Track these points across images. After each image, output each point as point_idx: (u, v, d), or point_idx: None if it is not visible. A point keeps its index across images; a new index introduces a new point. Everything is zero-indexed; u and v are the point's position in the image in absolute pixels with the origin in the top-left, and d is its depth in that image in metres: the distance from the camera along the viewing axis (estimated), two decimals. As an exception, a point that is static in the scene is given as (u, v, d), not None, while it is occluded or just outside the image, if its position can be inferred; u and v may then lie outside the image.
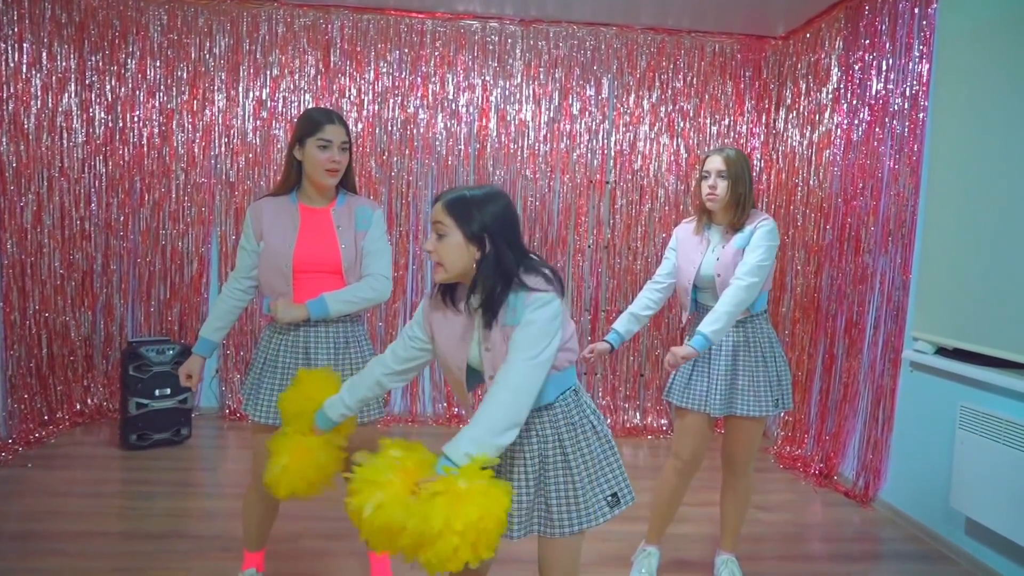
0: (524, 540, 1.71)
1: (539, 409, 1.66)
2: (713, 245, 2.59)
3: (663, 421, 4.92)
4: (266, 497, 2.31)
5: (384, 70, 4.67)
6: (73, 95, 4.36)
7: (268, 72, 4.60)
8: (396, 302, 4.77)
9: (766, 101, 4.87)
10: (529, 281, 1.58)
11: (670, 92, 4.84)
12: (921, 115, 3.45)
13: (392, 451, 1.56)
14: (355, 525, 1.49)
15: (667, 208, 4.86)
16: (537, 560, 1.76)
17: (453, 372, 1.70)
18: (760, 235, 2.48)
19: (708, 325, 2.39)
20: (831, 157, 4.16)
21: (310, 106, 4.63)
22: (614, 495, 1.71)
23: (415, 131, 4.70)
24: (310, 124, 2.16)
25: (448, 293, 1.70)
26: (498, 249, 1.57)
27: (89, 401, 4.54)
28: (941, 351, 3.29)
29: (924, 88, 3.44)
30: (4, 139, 3.88)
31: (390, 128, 4.68)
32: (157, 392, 4.09)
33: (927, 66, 3.43)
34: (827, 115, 4.22)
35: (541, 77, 4.77)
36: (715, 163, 2.54)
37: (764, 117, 4.89)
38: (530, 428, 1.67)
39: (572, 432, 1.68)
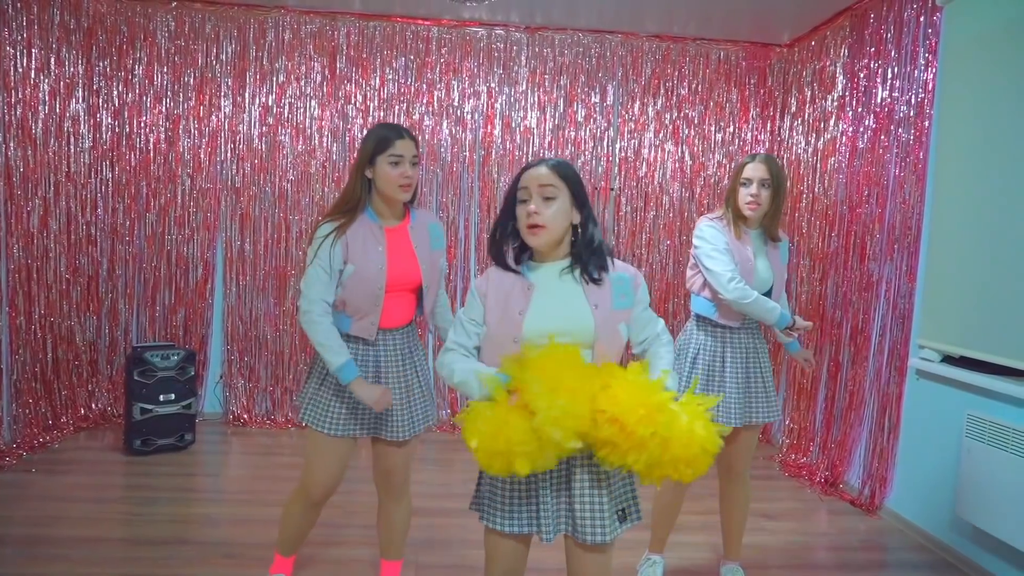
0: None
1: None
2: (756, 249, 2.55)
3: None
4: (309, 508, 2.31)
5: (390, 77, 4.68)
6: (80, 100, 4.39)
7: (274, 78, 4.62)
8: (400, 308, 4.78)
9: (771, 108, 4.88)
10: (614, 261, 1.73)
11: (675, 99, 4.85)
12: (926, 123, 3.45)
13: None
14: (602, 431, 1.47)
15: (671, 215, 4.86)
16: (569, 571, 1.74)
17: (507, 348, 1.62)
18: (787, 252, 2.59)
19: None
20: (836, 164, 4.15)
21: (316, 113, 4.65)
22: (623, 511, 1.70)
23: (420, 137, 4.71)
24: (380, 141, 2.13)
25: (504, 260, 1.73)
26: (591, 212, 1.70)
27: (93, 406, 4.55)
28: (947, 359, 3.28)
29: (929, 96, 3.44)
30: (12, 144, 3.90)
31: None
32: (161, 397, 4.09)
33: (932, 74, 3.43)
34: (832, 122, 4.22)
35: (546, 84, 4.78)
36: (759, 171, 2.47)
37: (769, 124, 4.89)
38: None
39: None
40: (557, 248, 1.70)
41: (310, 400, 2.24)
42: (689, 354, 2.62)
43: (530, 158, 4.79)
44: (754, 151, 4.90)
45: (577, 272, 1.69)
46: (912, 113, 3.53)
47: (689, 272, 2.65)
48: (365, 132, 2.27)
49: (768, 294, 2.58)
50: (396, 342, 2.23)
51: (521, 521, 1.67)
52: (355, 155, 2.23)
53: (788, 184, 2.58)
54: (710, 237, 2.51)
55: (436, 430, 4.76)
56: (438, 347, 4.80)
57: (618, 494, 1.69)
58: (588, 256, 1.68)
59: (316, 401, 2.23)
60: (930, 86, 3.44)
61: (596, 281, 1.67)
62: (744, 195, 2.48)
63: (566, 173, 1.67)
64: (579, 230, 1.69)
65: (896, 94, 3.66)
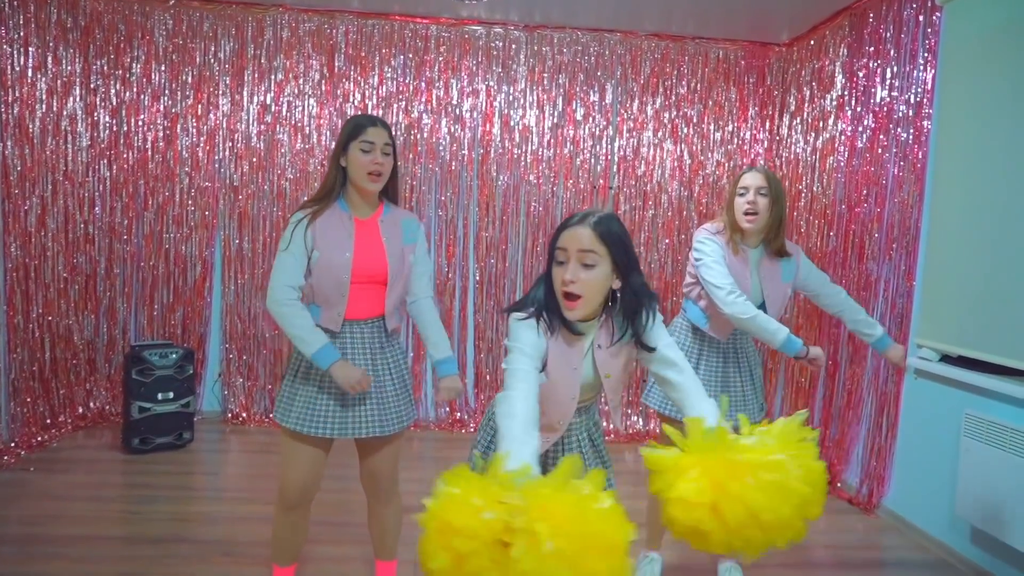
0: None
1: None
2: (752, 266, 2.49)
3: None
4: (297, 508, 2.28)
5: (388, 75, 4.67)
6: (78, 99, 4.37)
7: (272, 77, 4.61)
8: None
9: (770, 108, 4.87)
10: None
11: (674, 98, 4.85)
12: (925, 122, 3.45)
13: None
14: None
15: (670, 214, 4.86)
16: None
17: (565, 403, 1.60)
18: (799, 267, 2.47)
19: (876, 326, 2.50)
20: (835, 164, 4.15)
21: (314, 111, 4.65)
22: None
23: (419, 136, 4.70)
24: (353, 128, 2.15)
25: (558, 321, 1.57)
26: (638, 278, 1.53)
27: (91, 405, 4.54)
28: (945, 358, 3.28)
29: (928, 95, 3.44)
30: (9, 143, 3.89)
31: (394, 133, 4.68)
32: (160, 396, 4.08)
33: (932, 73, 3.43)
34: (831, 122, 4.22)
35: (545, 82, 4.77)
36: (756, 179, 2.42)
37: (768, 123, 4.89)
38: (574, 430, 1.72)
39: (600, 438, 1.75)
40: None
41: (282, 398, 2.23)
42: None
43: (528, 157, 4.78)
44: (753, 150, 4.91)
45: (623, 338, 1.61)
46: (911, 113, 3.53)
47: (688, 278, 2.62)
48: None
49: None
50: (364, 334, 2.20)
51: None
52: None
53: (786, 198, 2.51)
54: (709, 250, 2.46)
55: (434, 428, 4.76)
56: (417, 344, 4.75)
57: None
58: (629, 326, 1.58)
59: (287, 399, 2.21)
60: (929, 86, 3.44)
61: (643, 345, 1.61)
62: (741, 204, 2.43)
63: (611, 239, 1.50)
64: (618, 294, 1.55)
65: (895, 93, 3.66)
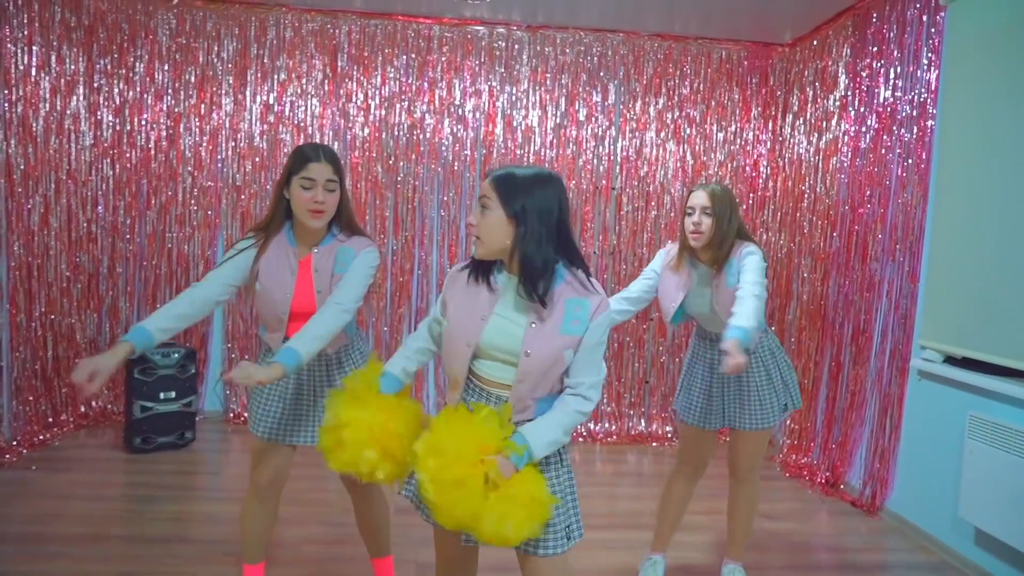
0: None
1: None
2: (698, 283, 2.53)
3: (668, 428, 4.90)
4: (265, 504, 2.29)
5: (391, 75, 4.67)
6: (81, 98, 4.38)
7: (275, 76, 4.61)
8: (401, 307, 4.77)
9: (773, 108, 4.87)
10: (585, 284, 1.61)
11: (677, 98, 4.84)
12: (929, 123, 3.44)
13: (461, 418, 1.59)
14: (424, 491, 1.52)
15: (673, 214, 4.85)
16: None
17: (460, 351, 1.63)
18: (749, 264, 2.40)
19: (743, 319, 2.23)
20: (838, 164, 4.14)
21: (317, 111, 4.64)
22: (568, 527, 1.67)
23: (421, 136, 4.70)
24: (296, 160, 2.05)
25: (480, 271, 1.69)
26: (535, 229, 1.56)
27: (93, 404, 4.54)
28: (949, 360, 3.27)
29: (932, 96, 3.43)
30: (12, 141, 3.89)
31: (396, 133, 4.69)
32: (162, 395, 4.09)
33: (935, 73, 3.42)
34: (834, 122, 4.21)
35: (548, 83, 4.77)
36: (699, 199, 2.46)
37: (771, 124, 4.89)
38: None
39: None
40: (512, 262, 1.63)
41: (251, 397, 2.26)
42: (687, 358, 2.75)
43: (531, 157, 4.78)
44: (756, 151, 4.90)
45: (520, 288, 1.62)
46: (915, 113, 3.52)
47: None
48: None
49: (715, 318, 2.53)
50: (320, 364, 2.19)
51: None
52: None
53: (737, 210, 2.51)
54: (656, 259, 2.65)
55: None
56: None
57: (562, 510, 1.66)
58: (523, 273, 1.59)
59: (253, 399, 2.24)
60: (933, 86, 3.43)
61: (540, 301, 1.58)
62: (688, 224, 2.48)
63: (501, 186, 1.57)
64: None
65: (899, 94, 3.65)
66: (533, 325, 1.59)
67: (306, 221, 2.07)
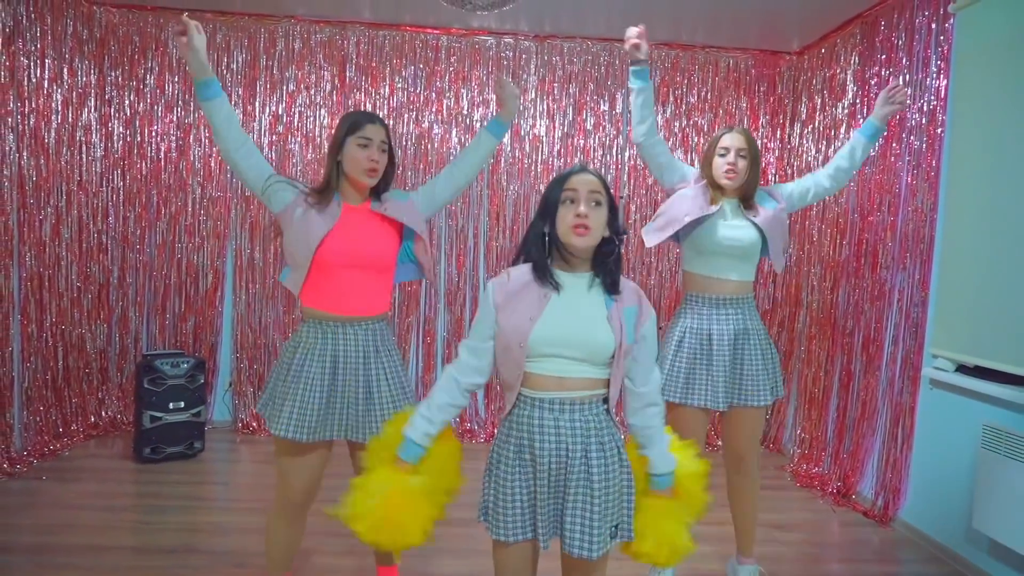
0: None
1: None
2: (731, 215, 2.55)
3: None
4: (293, 519, 2.26)
5: (399, 85, 4.69)
6: (93, 110, 4.42)
7: (284, 87, 4.64)
8: (409, 316, 4.77)
9: (781, 116, 4.86)
10: (627, 282, 1.75)
11: (684, 107, 4.84)
12: (939, 130, 3.43)
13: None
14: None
15: (681, 223, 4.83)
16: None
17: (513, 350, 1.65)
18: (779, 187, 2.64)
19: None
20: (847, 172, 4.12)
21: (325, 122, 4.67)
22: (616, 527, 1.70)
23: (429, 146, 4.72)
24: (350, 124, 2.15)
25: (540, 272, 1.72)
26: (616, 230, 1.73)
27: (103, 414, 4.56)
28: (961, 368, 3.24)
29: (942, 103, 3.42)
30: (25, 153, 3.93)
31: (405, 143, 4.70)
32: (171, 405, 4.09)
33: (944, 81, 3.41)
34: (843, 130, 4.19)
35: (555, 92, 4.78)
36: (737, 140, 2.51)
37: (779, 132, 4.88)
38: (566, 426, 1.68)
39: (601, 449, 1.68)
40: (584, 260, 1.73)
41: (272, 403, 2.18)
42: (674, 338, 2.62)
43: (539, 167, 4.79)
44: (764, 159, 4.89)
45: (599, 285, 1.71)
46: (924, 120, 3.51)
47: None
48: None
49: (761, 253, 2.60)
50: (359, 338, 2.16)
51: (525, 528, 1.69)
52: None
53: (760, 158, 2.66)
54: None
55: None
56: (427, 343, 4.74)
57: (613, 509, 1.68)
58: (611, 270, 1.72)
59: (277, 403, 2.16)
60: (942, 93, 3.42)
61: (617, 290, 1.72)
62: (721, 164, 2.51)
63: (607, 187, 1.73)
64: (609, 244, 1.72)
65: (908, 102, 3.63)
66: (611, 315, 1.67)
67: (360, 178, 2.15)
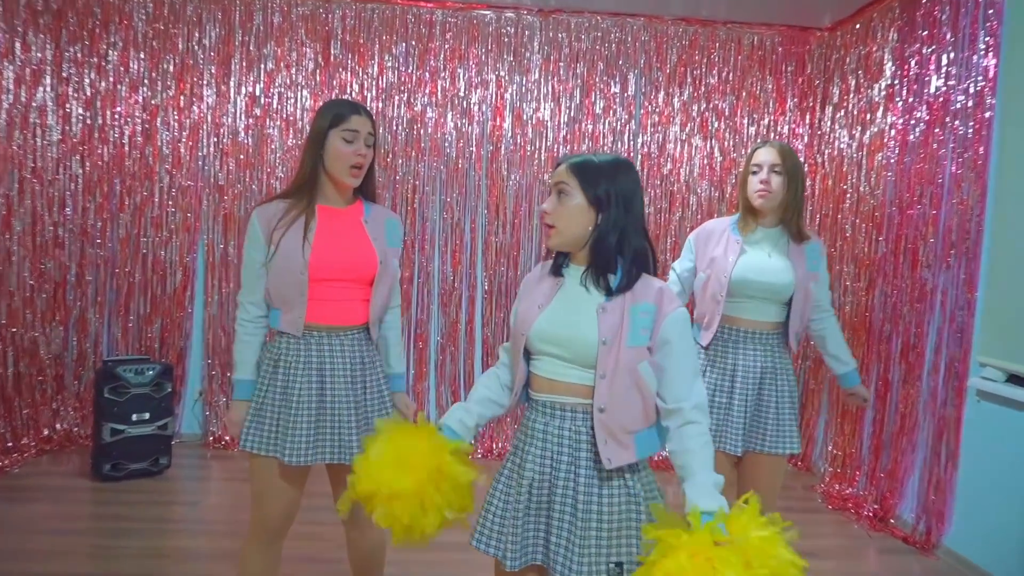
0: None
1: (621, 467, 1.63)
2: (762, 250, 2.52)
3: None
4: (269, 545, 2.22)
5: (389, 64, 4.66)
6: (48, 89, 4.37)
7: (262, 66, 4.60)
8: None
9: (811, 99, 4.84)
10: (651, 281, 1.65)
11: (703, 89, 4.81)
12: (987, 114, 3.40)
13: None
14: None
15: (700, 217, 4.81)
16: None
17: (517, 341, 1.71)
18: (824, 262, 2.59)
19: (850, 359, 2.68)
20: (884, 161, 4.10)
21: (308, 104, 4.63)
22: (618, 565, 1.62)
23: (422, 131, 4.69)
24: (333, 115, 2.11)
25: (556, 263, 1.74)
26: (617, 216, 1.63)
27: (58, 426, 4.50)
28: (1013, 378, 3.21)
29: (990, 84, 3.39)
30: (-28, 136, 3.89)
31: (395, 128, 4.67)
32: (134, 417, 4.05)
33: (993, 60, 3.39)
34: (880, 114, 4.17)
35: (561, 72, 4.75)
36: (769, 155, 2.50)
37: (808, 117, 4.85)
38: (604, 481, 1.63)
39: (632, 515, 1.62)
40: (581, 252, 1.70)
41: (251, 421, 2.17)
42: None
43: (543, 154, 4.76)
44: (792, 145, 4.85)
45: (590, 280, 1.67)
46: (970, 104, 3.48)
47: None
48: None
49: (789, 305, 2.53)
50: (345, 350, 2.17)
51: (490, 540, 1.70)
52: (308, 133, 2.20)
53: (804, 176, 2.59)
54: (686, 245, 2.72)
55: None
56: (419, 348, 4.76)
57: (613, 543, 1.61)
58: (596, 264, 1.66)
59: (258, 422, 2.15)
60: (991, 73, 3.39)
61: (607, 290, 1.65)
62: (754, 182, 2.51)
63: (580, 172, 1.65)
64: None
65: (952, 82, 3.60)
66: (604, 310, 1.62)
67: (343, 177, 2.12)
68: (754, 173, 2.51)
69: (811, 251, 2.54)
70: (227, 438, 4.64)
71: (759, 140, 2.57)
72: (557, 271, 1.72)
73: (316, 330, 2.15)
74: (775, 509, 2.56)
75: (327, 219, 2.16)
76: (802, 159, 4.87)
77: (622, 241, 1.63)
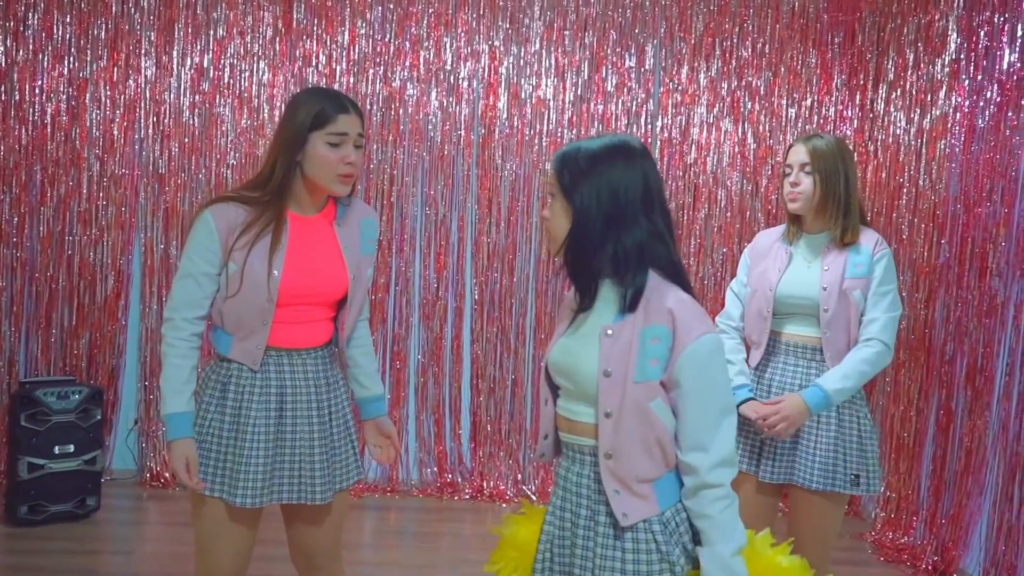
0: None
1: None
2: (804, 259, 2.61)
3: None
4: None
5: (362, 31, 4.66)
6: (-43, 59, 4.37)
7: (211, 33, 4.60)
8: (375, 333, 4.72)
9: (861, 76, 4.84)
10: (666, 294, 1.59)
11: (734, 64, 4.82)
12: (1069, 96, 3.42)
13: None
14: None
15: (730, 214, 4.82)
16: None
17: (544, 378, 1.76)
18: (885, 269, 2.53)
19: (833, 381, 2.46)
20: (947, 150, 4.12)
21: (265, 78, 4.62)
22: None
23: (401, 111, 4.69)
24: (316, 114, 2.07)
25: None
26: (588, 220, 1.59)
27: (-34, 460, 4.49)
28: (1099, 408, 3.22)
29: (1073, 60, 3.42)
30: None
31: (369, 106, 4.67)
32: (57, 449, 4.03)
33: (1077, 32, 3.41)
34: (942, 95, 4.19)
35: (566, 43, 4.76)
36: (797, 154, 2.58)
37: (859, 97, 4.86)
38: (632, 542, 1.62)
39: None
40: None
41: (205, 461, 2.15)
42: None
43: (544, 139, 4.77)
44: (839, 131, 4.87)
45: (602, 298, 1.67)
46: (1050, 83, 3.51)
47: None
48: (288, 100, 2.22)
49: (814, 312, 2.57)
50: (307, 367, 2.19)
51: None
52: (276, 130, 2.18)
53: (854, 168, 2.63)
54: (741, 260, 2.83)
55: (417, 493, 4.69)
56: (397, 369, 4.76)
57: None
58: (572, 276, 1.67)
59: (202, 459, 2.14)
60: (1074, 48, 3.41)
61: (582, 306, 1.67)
62: (786, 186, 2.61)
63: (559, 165, 1.65)
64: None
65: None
66: (609, 333, 1.59)
67: (330, 187, 2.11)
68: (786, 175, 2.60)
69: (853, 256, 2.55)
70: (167, 475, 4.63)
71: (800, 133, 2.62)
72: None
73: (274, 352, 2.15)
74: (825, 561, 2.57)
75: (297, 232, 2.14)
76: (851, 146, 4.88)
77: (604, 243, 1.59)
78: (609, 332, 1.58)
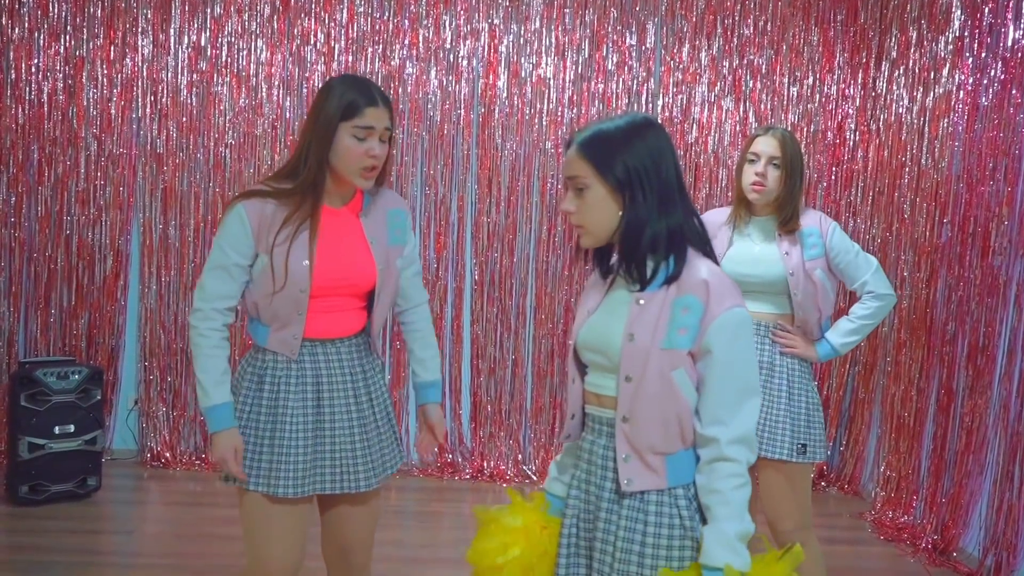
0: None
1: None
2: (759, 239, 2.72)
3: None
4: None
5: (360, 9, 4.65)
6: (-47, 38, 4.36)
7: (208, 11, 4.59)
8: (372, 314, 4.74)
9: (863, 54, 4.83)
10: (698, 266, 1.61)
11: (735, 42, 4.81)
12: (1073, 73, 3.41)
13: None
14: None
15: (731, 193, 4.79)
16: None
17: (571, 355, 1.76)
18: (839, 239, 2.70)
19: (840, 335, 2.71)
20: (950, 128, 4.12)
21: (263, 57, 4.61)
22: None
23: (400, 90, 4.68)
24: (345, 104, 2.05)
25: (599, 259, 1.75)
26: (645, 195, 1.59)
27: (-34, 440, 4.51)
28: (1100, 387, 3.23)
29: (1078, 37, 3.40)
30: None
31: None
32: (57, 429, 4.05)
33: (1082, 8, 3.39)
34: (945, 72, 4.18)
35: (566, 21, 4.74)
36: (768, 146, 2.66)
37: (861, 75, 4.85)
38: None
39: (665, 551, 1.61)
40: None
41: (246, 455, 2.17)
42: None
43: (544, 119, 4.76)
44: (841, 110, 4.86)
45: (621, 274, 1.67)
46: (1054, 60, 3.50)
47: None
48: (322, 85, 2.19)
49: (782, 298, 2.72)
50: (342, 356, 2.22)
51: None
52: (307, 116, 2.17)
53: (805, 167, 2.87)
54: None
55: (418, 473, 4.71)
56: (402, 365, 4.75)
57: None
58: (628, 255, 1.64)
59: (254, 455, 2.16)
60: (1078, 24, 3.40)
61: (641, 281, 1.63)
62: (748, 173, 2.68)
63: (594, 153, 1.61)
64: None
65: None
66: (640, 302, 1.61)
67: (355, 180, 2.11)
68: (751, 162, 2.67)
69: (808, 235, 2.70)
70: (167, 455, 4.65)
71: (760, 126, 2.74)
72: (606, 269, 1.73)
73: (309, 342, 2.17)
74: (806, 527, 2.68)
75: (327, 224, 2.16)
76: (852, 125, 4.88)
77: (658, 219, 1.60)
78: (641, 301, 1.60)
